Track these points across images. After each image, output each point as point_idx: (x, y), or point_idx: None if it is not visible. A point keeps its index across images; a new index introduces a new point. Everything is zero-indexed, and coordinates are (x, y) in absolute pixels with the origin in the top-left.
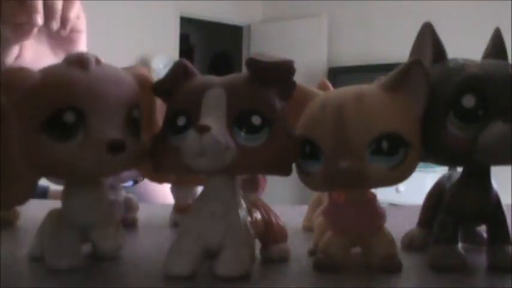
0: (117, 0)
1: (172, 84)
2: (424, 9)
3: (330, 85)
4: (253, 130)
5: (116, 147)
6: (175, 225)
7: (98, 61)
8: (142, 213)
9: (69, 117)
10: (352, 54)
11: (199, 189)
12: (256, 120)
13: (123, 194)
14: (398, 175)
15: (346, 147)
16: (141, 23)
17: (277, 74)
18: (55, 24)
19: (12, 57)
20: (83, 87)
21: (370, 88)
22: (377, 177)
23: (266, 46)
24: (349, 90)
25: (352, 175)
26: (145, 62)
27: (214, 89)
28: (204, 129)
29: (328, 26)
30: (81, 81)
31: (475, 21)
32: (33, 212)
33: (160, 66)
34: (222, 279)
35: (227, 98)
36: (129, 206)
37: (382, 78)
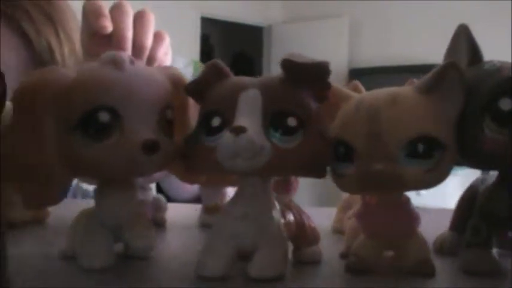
0: (138, 0)
1: (206, 85)
2: (445, 11)
3: (361, 87)
4: (288, 131)
5: (150, 147)
6: (203, 225)
7: (132, 61)
8: (170, 214)
9: (104, 116)
10: (373, 56)
11: (229, 190)
12: (291, 121)
13: (152, 194)
14: (433, 178)
15: (381, 150)
16: (162, 23)
17: (313, 75)
18: None
19: None
20: (118, 87)
21: (404, 90)
22: (412, 180)
23: (287, 47)
24: (383, 92)
25: (387, 178)
26: None
27: (250, 90)
28: (239, 131)
29: (349, 27)
30: (116, 80)
31: (503, 22)
32: (62, 210)
33: (181, 66)
34: (255, 280)
35: (262, 99)
36: (158, 206)
37: (415, 81)
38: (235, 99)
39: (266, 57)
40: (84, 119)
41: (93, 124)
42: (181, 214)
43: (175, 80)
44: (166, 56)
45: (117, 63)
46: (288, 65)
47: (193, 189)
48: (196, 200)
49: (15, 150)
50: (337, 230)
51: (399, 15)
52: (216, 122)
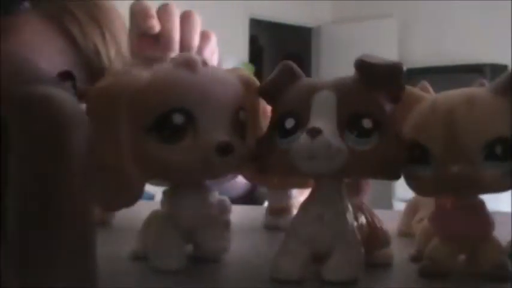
0: (187, 0)
1: (279, 86)
2: (495, 9)
3: (430, 87)
4: (364, 133)
5: (224, 149)
6: (268, 227)
7: (204, 62)
8: (233, 215)
9: (178, 118)
10: (423, 55)
11: (294, 191)
12: (367, 123)
13: (216, 195)
14: (511, 181)
15: (458, 152)
16: (211, 25)
17: (388, 76)
18: None
19: None
20: (192, 89)
21: (479, 91)
22: (489, 183)
23: (336, 47)
24: (458, 93)
25: (464, 180)
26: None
27: (324, 91)
28: (315, 132)
29: (399, 26)
30: (189, 82)
31: None
32: (127, 212)
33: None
34: (331, 283)
35: (337, 101)
36: (223, 208)
37: (484, 82)
38: (309, 101)
39: (315, 58)
40: (158, 121)
41: (168, 126)
42: (243, 216)
43: (246, 82)
44: (213, 55)
45: (190, 65)
46: (362, 65)
47: (241, 186)
48: (244, 197)
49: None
50: (404, 233)
51: (448, 15)
52: (289, 123)
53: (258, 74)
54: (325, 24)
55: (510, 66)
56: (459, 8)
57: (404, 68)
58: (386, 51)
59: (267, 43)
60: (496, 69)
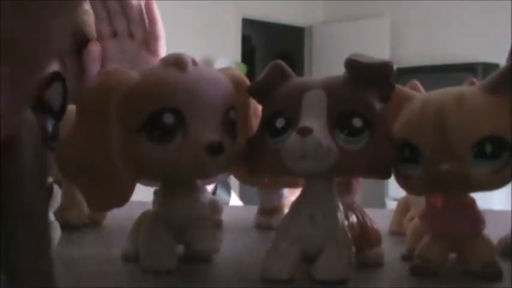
0: (180, 0)
1: (269, 86)
2: (487, 9)
3: (420, 86)
4: (354, 132)
5: (215, 149)
6: (259, 227)
7: (194, 62)
8: (224, 215)
9: (169, 118)
10: (415, 55)
11: (285, 191)
12: (357, 122)
13: (207, 195)
14: (501, 179)
15: (448, 150)
16: (203, 25)
17: (378, 75)
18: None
19: None
20: (182, 89)
21: (470, 90)
22: (480, 181)
23: (328, 47)
24: (449, 92)
25: (454, 178)
26: (208, 63)
27: (314, 90)
28: (306, 132)
29: (391, 26)
30: (180, 82)
31: None
32: (118, 212)
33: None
34: (321, 283)
35: (327, 100)
36: (215, 208)
37: (475, 80)
38: (300, 100)
39: (307, 58)
40: (149, 122)
41: (158, 126)
42: (235, 215)
43: (236, 81)
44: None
45: (180, 65)
46: (353, 64)
47: None
48: None
49: (80, 152)
50: (395, 232)
51: (441, 14)
52: (280, 123)
53: (251, 73)
54: (317, 24)
55: (502, 65)
56: (451, 7)
57: (395, 67)
58: (378, 51)
59: (259, 43)
60: (489, 68)
